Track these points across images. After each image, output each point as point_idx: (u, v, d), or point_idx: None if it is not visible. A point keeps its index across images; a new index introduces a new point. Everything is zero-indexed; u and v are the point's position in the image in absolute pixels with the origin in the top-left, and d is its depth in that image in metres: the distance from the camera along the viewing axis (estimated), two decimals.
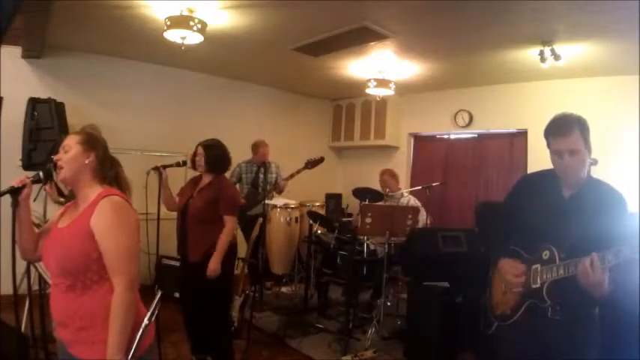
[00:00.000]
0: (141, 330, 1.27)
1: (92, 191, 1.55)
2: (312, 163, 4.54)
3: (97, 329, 1.39)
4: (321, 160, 4.58)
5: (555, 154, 1.72)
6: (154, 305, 1.29)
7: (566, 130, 1.68)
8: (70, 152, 1.56)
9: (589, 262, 1.51)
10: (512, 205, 1.96)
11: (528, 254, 1.80)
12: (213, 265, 2.87)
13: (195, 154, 3.06)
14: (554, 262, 1.66)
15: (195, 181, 3.12)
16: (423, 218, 4.47)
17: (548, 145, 1.76)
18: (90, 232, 1.43)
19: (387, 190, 4.76)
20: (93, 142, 1.61)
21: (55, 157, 1.58)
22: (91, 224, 1.44)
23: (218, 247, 2.90)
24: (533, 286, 1.72)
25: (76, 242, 1.44)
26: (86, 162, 1.56)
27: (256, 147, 4.98)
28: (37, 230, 1.67)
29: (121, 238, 1.44)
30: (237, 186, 4.85)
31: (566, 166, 1.69)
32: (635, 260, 1.43)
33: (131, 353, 1.29)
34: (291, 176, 4.68)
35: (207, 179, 3.04)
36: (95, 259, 1.42)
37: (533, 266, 1.74)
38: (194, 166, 3.08)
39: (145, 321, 1.27)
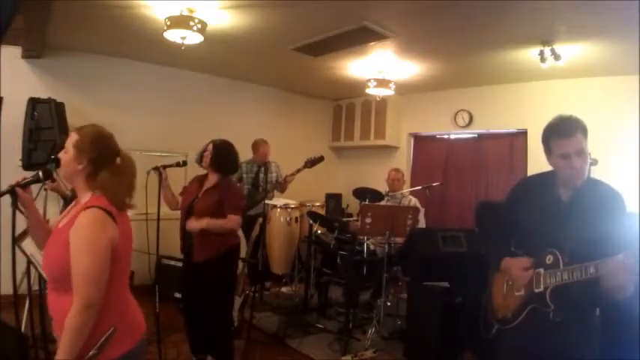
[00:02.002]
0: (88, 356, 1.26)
1: (85, 196, 1.53)
2: (311, 162, 4.51)
3: None
4: (321, 159, 4.55)
5: (561, 157, 1.68)
6: (103, 339, 1.28)
7: (571, 131, 1.65)
8: (66, 154, 1.53)
9: (622, 258, 1.45)
10: (511, 210, 1.93)
11: (530, 258, 1.79)
12: (194, 224, 2.84)
13: (204, 150, 3.04)
14: (558, 266, 1.64)
15: (201, 180, 3.10)
16: (422, 221, 4.47)
17: (550, 149, 1.72)
18: (68, 244, 1.42)
19: (388, 190, 4.76)
20: (89, 144, 1.52)
21: (59, 155, 1.57)
22: (69, 236, 1.43)
23: (214, 222, 2.85)
24: (536, 290, 1.70)
25: (57, 251, 1.45)
26: (79, 168, 1.52)
27: (257, 146, 4.97)
28: (50, 225, 1.67)
29: (86, 260, 1.39)
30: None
31: (575, 168, 1.66)
32: (635, 266, 1.42)
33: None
34: (292, 175, 4.66)
35: (213, 180, 3.02)
36: (70, 269, 1.41)
37: (536, 270, 1.72)
38: (201, 161, 3.06)
39: (94, 350, 1.26)
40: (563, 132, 1.67)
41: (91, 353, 1.26)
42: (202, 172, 3.14)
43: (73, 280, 1.40)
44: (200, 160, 3.07)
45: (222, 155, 3.01)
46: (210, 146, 3.01)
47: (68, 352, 1.35)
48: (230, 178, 3.16)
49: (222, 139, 3.09)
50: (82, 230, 1.42)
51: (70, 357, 1.35)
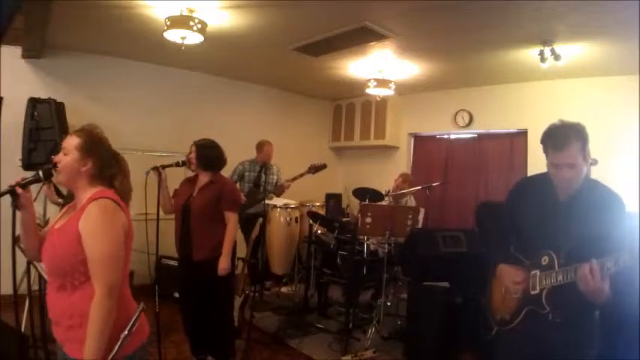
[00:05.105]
0: (120, 341, 1.25)
1: (88, 195, 1.55)
2: (315, 169, 4.68)
3: (84, 328, 1.39)
4: (324, 166, 4.73)
5: (553, 166, 1.69)
6: (134, 317, 1.28)
7: (564, 144, 1.64)
8: (67, 157, 1.55)
9: (588, 268, 1.49)
10: (510, 211, 1.94)
11: (527, 259, 1.79)
12: (224, 264, 2.91)
13: (189, 153, 3.09)
14: (554, 268, 1.65)
15: (192, 180, 3.13)
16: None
17: (546, 154, 1.73)
18: (78, 235, 1.44)
19: (388, 190, 4.76)
20: (92, 147, 1.57)
21: (54, 159, 1.58)
22: (79, 227, 1.45)
23: (225, 244, 2.94)
24: (532, 292, 1.71)
25: (64, 244, 1.46)
26: (83, 169, 1.55)
27: (261, 146, 5.00)
28: (41, 232, 1.66)
29: (103, 244, 1.43)
30: (238, 184, 4.87)
31: (564, 179, 1.68)
32: (635, 266, 1.42)
33: (112, 354, 1.27)
34: (294, 179, 4.74)
35: (205, 178, 3.05)
36: (82, 261, 1.43)
37: (532, 272, 1.73)
38: (189, 165, 3.11)
39: (125, 332, 1.26)
40: (556, 143, 1.66)
41: (123, 335, 1.26)
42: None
43: (91, 268, 1.42)
44: (188, 164, 3.10)
45: (207, 153, 3.05)
46: (194, 147, 3.07)
47: (97, 346, 1.35)
48: (222, 175, 3.18)
49: (204, 139, 3.13)
50: (94, 218, 1.45)
51: (99, 352, 1.35)
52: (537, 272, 1.71)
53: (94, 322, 1.37)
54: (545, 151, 1.73)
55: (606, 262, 1.48)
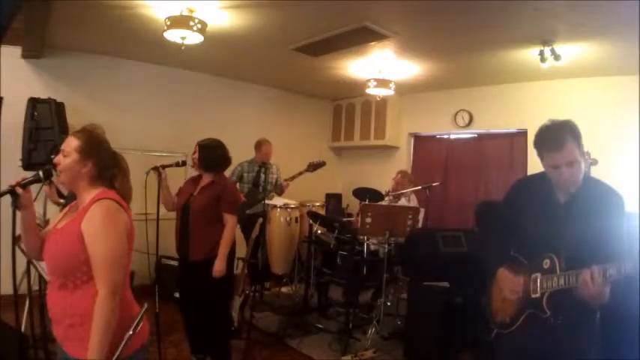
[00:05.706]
0: (124, 341, 1.26)
1: (89, 195, 1.56)
2: (313, 166, 4.65)
3: (85, 327, 1.40)
4: (323, 164, 4.69)
5: (552, 167, 1.67)
6: (138, 317, 1.29)
7: (560, 143, 1.62)
8: (67, 158, 1.55)
9: (589, 274, 1.48)
10: (509, 212, 1.91)
11: (528, 261, 1.77)
12: (219, 266, 2.88)
13: (194, 152, 3.09)
14: (555, 271, 1.63)
15: (195, 180, 3.13)
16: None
17: (541, 157, 1.71)
18: (80, 235, 1.45)
19: (388, 190, 4.76)
20: (92, 148, 1.57)
21: (54, 160, 1.58)
22: (81, 227, 1.46)
23: (221, 246, 2.91)
24: (533, 296, 1.69)
25: (67, 243, 1.47)
26: (83, 171, 1.55)
27: (260, 145, 4.99)
28: (41, 232, 1.66)
29: (107, 244, 1.44)
30: (237, 185, 4.86)
31: (566, 178, 1.65)
32: (636, 269, 1.41)
33: (116, 354, 1.28)
34: (293, 178, 4.72)
35: (208, 178, 3.05)
36: (84, 260, 1.44)
37: (533, 275, 1.71)
38: (193, 165, 3.11)
39: (130, 332, 1.27)
40: (551, 144, 1.64)
41: (127, 335, 1.27)
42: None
43: (95, 268, 1.43)
44: (192, 164, 3.11)
45: (209, 154, 3.04)
46: (197, 147, 3.06)
47: (101, 346, 1.36)
48: (225, 175, 3.18)
49: (208, 139, 3.13)
50: (97, 219, 1.47)
51: (103, 353, 1.35)
52: (538, 275, 1.69)
53: (98, 323, 1.37)
54: (540, 154, 1.71)
55: (609, 269, 1.46)
